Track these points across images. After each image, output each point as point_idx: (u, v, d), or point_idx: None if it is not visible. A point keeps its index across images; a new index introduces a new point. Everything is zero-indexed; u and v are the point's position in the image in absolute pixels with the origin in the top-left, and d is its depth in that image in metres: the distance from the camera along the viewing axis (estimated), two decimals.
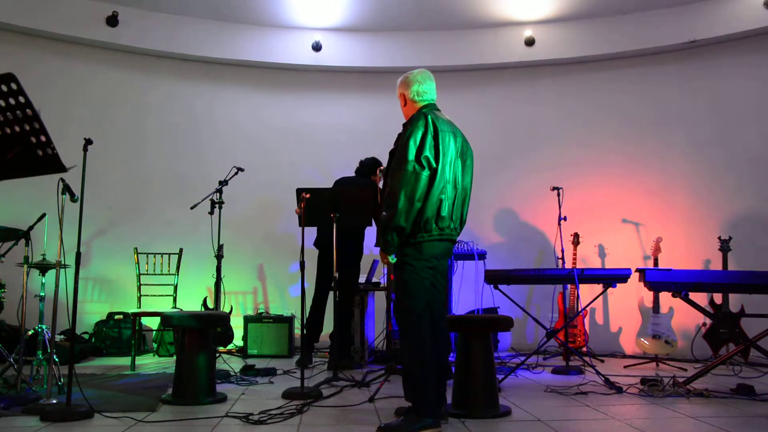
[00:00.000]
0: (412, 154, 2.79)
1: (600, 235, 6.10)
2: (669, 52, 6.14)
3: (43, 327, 3.70)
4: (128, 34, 6.11)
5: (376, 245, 2.95)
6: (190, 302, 5.96)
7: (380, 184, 5.15)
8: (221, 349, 5.56)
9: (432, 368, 2.79)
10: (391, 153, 3.03)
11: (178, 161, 6.35)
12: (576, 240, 5.68)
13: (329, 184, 5.00)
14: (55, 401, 3.18)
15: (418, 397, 2.75)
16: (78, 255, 3.09)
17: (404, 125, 3.00)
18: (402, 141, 2.87)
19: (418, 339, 2.79)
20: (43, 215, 3.76)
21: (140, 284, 5.45)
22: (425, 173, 2.78)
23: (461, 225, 3.03)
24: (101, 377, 4.30)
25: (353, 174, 5.14)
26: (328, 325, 4.85)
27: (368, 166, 5.09)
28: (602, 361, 5.27)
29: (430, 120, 2.87)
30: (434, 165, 2.81)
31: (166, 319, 3.60)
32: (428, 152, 2.80)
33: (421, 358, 2.78)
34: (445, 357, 3.00)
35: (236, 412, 3.12)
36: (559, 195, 5.33)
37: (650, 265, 5.44)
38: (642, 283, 3.95)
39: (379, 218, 2.88)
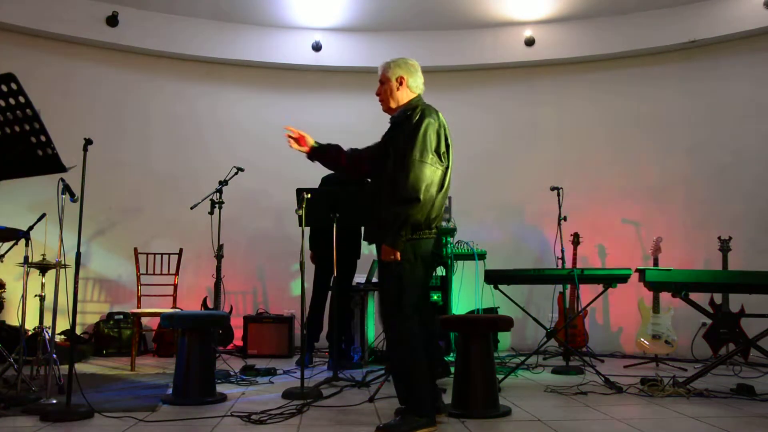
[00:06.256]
0: (432, 147, 2.72)
1: (600, 235, 6.10)
2: (669, 52, 6.14)
3: (43, 327, 3.69)
4: (128, 34, 6.11)
5: (371, 240, 2.85)
6: (190, 302, 5.96)
7: None
8: (221, 348, 5.56)
9: (426, 367, 2.77)
10: (385, 142, 2.91)
11: (178, 161, 6.35)
12: (576, 240, 5.68)
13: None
14: (55, 401, 3.18)
15: (414, 397, 2.74)
16: (78, 255, 3.08)
17: (407, 114, 2.85)
18: (416, 132, 2.73)
19: (412, 338, 2.75)
20: (43, 215, 3.76)
21: (140, 284, 5.45)
22: (441, 168, 2.75)
23: None
24: (101, 377, 4.30)
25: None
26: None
27: None
28: (602, 361, 5.27)
29: (440, 115, 2.83)
30: (445, 161, 2.78)
31: (166, 319, 3.60)
32: (443, 147, 2.76)
33: (415, 358, 2.74)
34: (438, 355, 2.98)
35: (236, 412, 3.11)
36: (559, 195, 5.33)
37: (650, 265, 5.43)
38: (642, 283, 3.95)
39: (387, 212, 2.73)
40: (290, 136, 3.08)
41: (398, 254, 2.71)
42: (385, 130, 3.02)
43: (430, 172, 2.70)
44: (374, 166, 2.97)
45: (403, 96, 2.93)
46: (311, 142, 3.10)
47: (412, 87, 2.94)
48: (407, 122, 2.82)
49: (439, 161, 2.74)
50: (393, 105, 2.94)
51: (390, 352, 2.83)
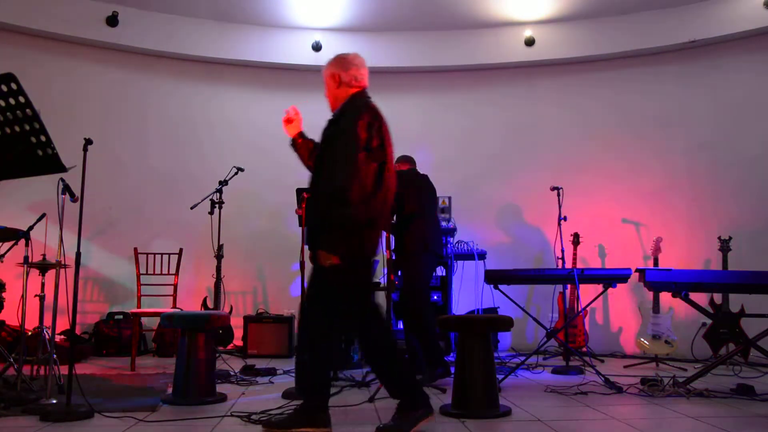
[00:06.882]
0: (360, 144, 2.61)
1: (600, 235, 6.10)
2: (669, 52, 6.14)
3: (43, 327, 3.69)
4: (128, 34, 6.11)
5: (314, 246, 2.65)
6: (190, 302, 5.96)
7: None
8: (221, 348, 5.56)
9: (404, 361, 2.73)
10: (324, 141, 2.82)
11: (178, 161, 6.35)
12: (576, 240, 5.68)
13: None
14: (55, 401, 3.18)
15: (406, 390, 2.69)
16: (78, 255, 3.08)
17: (341, 110, 2.79)
18: (345, 128, 2.67)
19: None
20: (43, 215, 3.76)
21: (140, 284, 5.45)
22: (375, 165, 2.65)
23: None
24: (101, 377, 4.30)
25: None
26: None
27: None
28: (602, 361, 5.27)
29: (375, 109, 2.76)
30: (382, 157, 2.68)
31: (166, 319, 3.60)
32: (375, 142, 2.67)
33: (393, 354, 2.71)
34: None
35: (236, 412, 3.11)
36: (559, 195, 5.33)
37: (650, 265, 5.44)
38: (642, 283, 3.95)
39: (326, 214, 2.61)
40: (288, 114, 3.01)
41: (335, 258, 2.58)
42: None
43: (359, 169, 2.58)
44: (314, 167, 2.88)
45: (341, 93, 2.86)
46: (300, 129, 3.03)
47: (348, 82, 2.85)
48: (340, 120, 2.76)
49: (369, 157, 2.63)
50: (335, 103, 2.88)
51: (302, 348, 2.76)
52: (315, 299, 2.74)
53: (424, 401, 2.73)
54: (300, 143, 3.00)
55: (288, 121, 3.02)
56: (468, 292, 5.81)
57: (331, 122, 2.83)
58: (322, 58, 6.55)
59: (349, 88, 2.86)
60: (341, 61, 2.91)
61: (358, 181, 2.57)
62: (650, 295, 5.16)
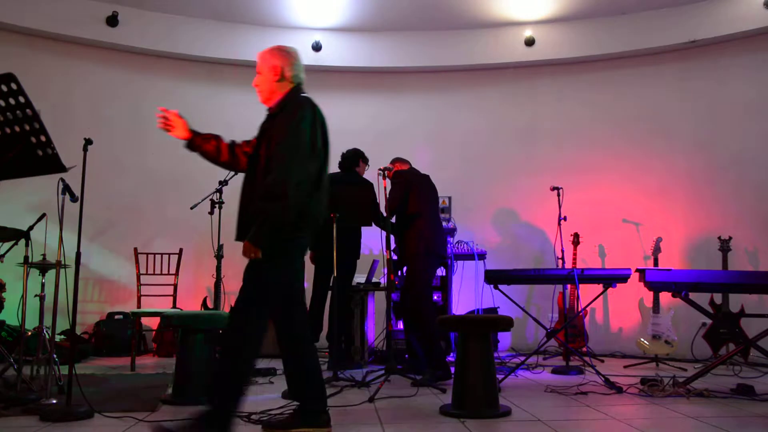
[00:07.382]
0: (307, 142, 2.52)
1: (600, 235, 6.10)
2: (669, 52, 6.15)
3: (43, 327, 3.69)
4: (128, 34, 6.11)
5: (242, 238, 2.55)
6: (190, 302, 5.96)
7: (364, 173, 5.04)
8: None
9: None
10: (262, 135, 2.72)
11: (178, 161, 6.27)
12: (576, 240, 5.68)
13: None
14: (55, 401, 3.18)
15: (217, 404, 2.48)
16: (78, 255, 3.08)
17: (282, 105, 2.68)
18: (288, 124, 2.55)
19: (258, 334, 2.54)
20: (43, 215, 3.76)
21: (140, 284, 5.45)
22: (316, 165, 2.58)
23: None
24: (101, 377, 4.30)
25: (338, 169, 5.02)
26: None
27: (349, 158, 4.94)
28: (602, 361, 5.27)
29: (318, 109, 2.68)
30: (322, 157, 2.62)
31: (166, 319, 3.60)
32: (319, 143, 2.59)
33: (249, 361, 2.54)
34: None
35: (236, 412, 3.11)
36: (559, 195, 5.33)
37: (650, 265, 5.44)
38: (642, 283, 3.95)
39: (284, 211, 2.47)
40: (163, 118, 2.83)
41: (259, 252, 2.46)
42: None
43: (302, 167, 2.50)
44: (250, 161, 2.79)
45: (281, 87, 2.74)
46: (188, 128, 2.89)
47: (291, 77, 2.74)
48: (282, 114, 2.63)
49: (311, 156, 2.56)
50: (271, 96, 2.79)
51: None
52: (243, 298, 2.58)
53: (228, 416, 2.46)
54: (198, 142, 2.88)
55: (169, 126, 2.84)
56: (468, 292, 5.81)
57: (270, 117, 2.74)
58: (322, 58, 6.59)
59: (290, 83, 2.75)
60: (286, 55, 2.75)
61: (296, 178, 2.47)
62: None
